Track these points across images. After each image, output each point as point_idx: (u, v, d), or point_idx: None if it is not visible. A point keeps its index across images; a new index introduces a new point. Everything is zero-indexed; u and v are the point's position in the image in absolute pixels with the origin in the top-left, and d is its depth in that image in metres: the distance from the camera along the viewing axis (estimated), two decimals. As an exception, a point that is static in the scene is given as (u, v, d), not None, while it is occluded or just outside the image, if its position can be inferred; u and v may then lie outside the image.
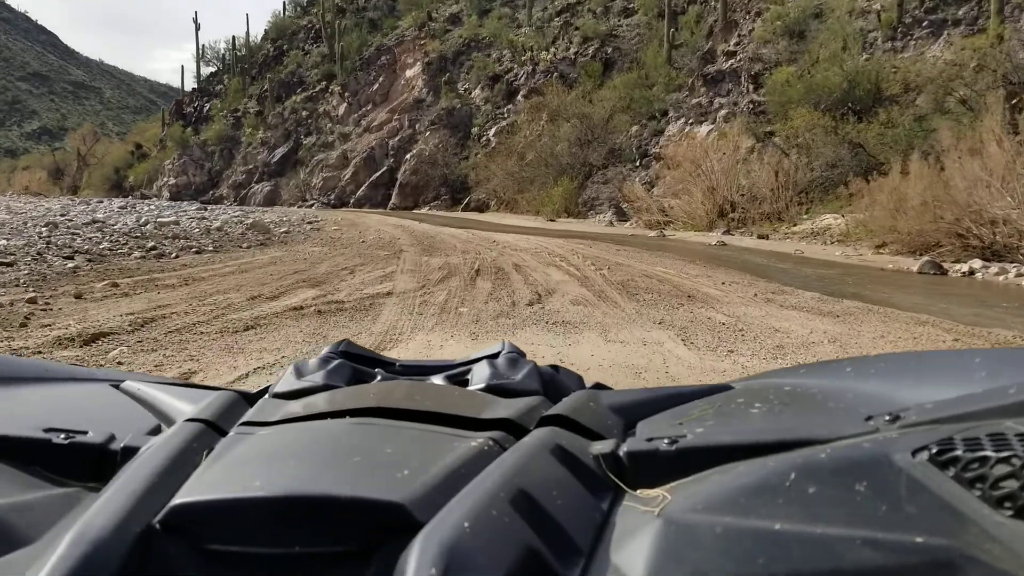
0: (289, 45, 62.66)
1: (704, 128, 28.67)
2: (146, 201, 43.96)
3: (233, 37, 67.90)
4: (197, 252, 10.97)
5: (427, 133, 43.97)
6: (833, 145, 20.87)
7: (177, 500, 0.50)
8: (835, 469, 0.45)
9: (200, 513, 0.49)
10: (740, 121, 20.92)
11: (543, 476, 0.52)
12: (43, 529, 0.50)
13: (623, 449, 0.56)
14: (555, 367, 0.88)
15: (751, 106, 27.60)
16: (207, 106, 65.21)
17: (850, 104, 22.81)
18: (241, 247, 12.19)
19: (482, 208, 37.49)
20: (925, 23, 25.19)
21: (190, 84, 73.44)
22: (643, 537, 0.46)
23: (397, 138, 46.19)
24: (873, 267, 11.28)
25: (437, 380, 0.85)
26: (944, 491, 0.41)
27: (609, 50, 38.77)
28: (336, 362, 0.84)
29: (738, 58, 30.31)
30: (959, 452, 0.43)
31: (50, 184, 75.42)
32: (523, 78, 41.88)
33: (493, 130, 40.60)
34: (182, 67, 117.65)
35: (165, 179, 57.28)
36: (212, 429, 0.64)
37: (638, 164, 30.35)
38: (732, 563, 0.41)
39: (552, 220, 27.13)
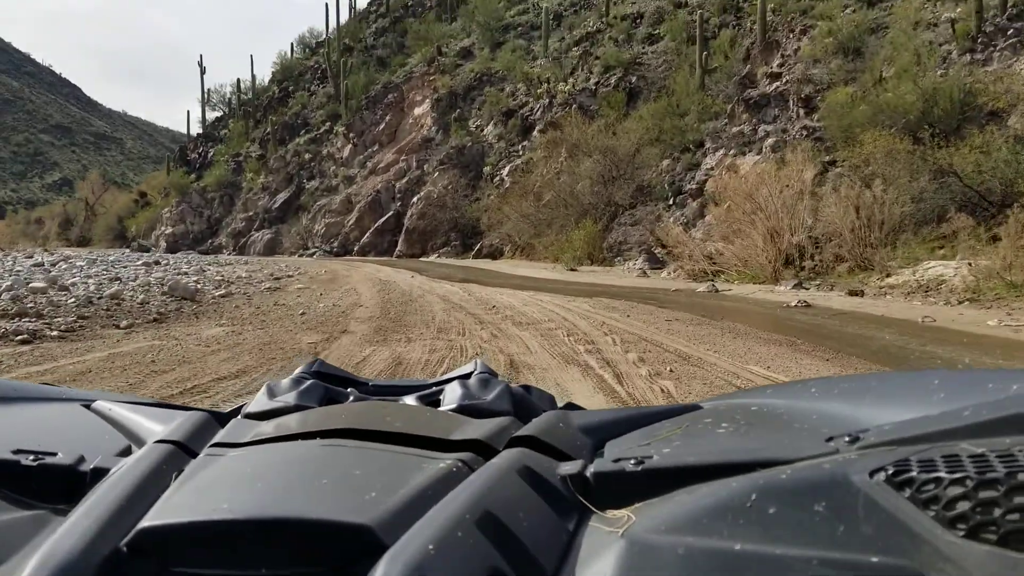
0: (295, 86, 59.85)
1: (749, 159, 24.72)
2: (93, 254, 40.54)
3: (238, 79, 65.16)
4: (24, 342, 7.06)
5: (436, 174, 40.35)
6: (914, 173, 16.84)
7: (145, 523, 0.50)
8: (795, 490, 0.46)
9: (167, 536, 0.49)
10: (804, 147, 16.91)
11: (510, 497, 0.52)
12: (10, 552, 0.49)
13: (590, 470, 0.57)
14: (527, 387, 0.87)
15: (804, 132, 23.65)
16: (211, 152, 62.38)
17: (927, 125, 18.79)
18: (118, 326, 8.28)
19: (495, 255, 33.61)
20: (1010, 31, 21.22)
21: (196, 129, 70.73)
22: (607, 558, 0.47)
23: (404, 180, 42.63)
24: (1086, 352, 7.07)
25: (409, 400, 0.85)
26: (900, 512, 0.41)
27: (633, 79, 35.09)
28: (308, 382, 0.84)
29: (784, 80, 26.46)
30: (914, 473, 0.43)
31: (19, 235, 73.25)
32: (539, 112, 38.26)
33: (507, 169, 36.89)
34: (187, 112, 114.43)
35: (163, 228, 54.05)
36: (182, 450, 0.64)
37: (672, 202, 26.37)
38: None
39: (573, 270, 23.05)
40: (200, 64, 66.80)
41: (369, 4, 64.71)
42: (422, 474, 0.56)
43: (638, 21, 39.16)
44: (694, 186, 25.86)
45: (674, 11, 36.79)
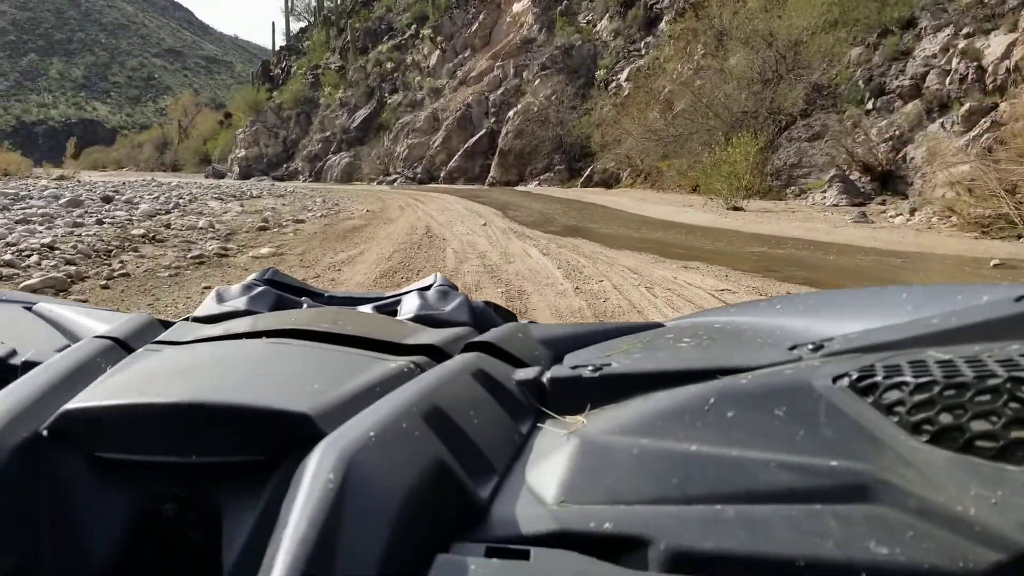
0: (382, -12, 52.95)
1: (996, 39, 16.35)
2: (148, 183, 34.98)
3: (322, -17, 58.65)
4: None
5: (536, 82, 32.92)
6: None
7: (68, 406, 0.48)
8: (755, 394, 0.45)
9: (91, 419, 0.47)
10: None
11: (462, 396, 0.51)
12: None
13: (547, 376, 0.57)
14: (488, 303, 0.86)
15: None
16: (293, 66, 56.68)
17: None
18: None
19: (610, 182, 26.33)
20: None
21: (281, 42, 65.09)
22: (559, 457, 0.46)
23: (499, 91, 35.43)
24: None
25: (365, 310, 0.82)
26: (862, 416, 0.41)
27: (797, -52, 26.37)
28: (260, 288, 0.83)
29: (1046, -79, 17.57)
30: (879, 378, 0.42)
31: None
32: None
33: (625, 72, 29.12)
34: (272, 24, 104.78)
35: (236, 151, 48.92)
36: (120, 347, 0.62)
37: (871, 107, 18.30)
38: (647, 483, 0.42)
39: (737, 208, 15.48)
40: (282, -32, 60.50)
41: None
42: (370, 372, 0.54)
43: None
44: (906, 82, 17.70)
45: None
